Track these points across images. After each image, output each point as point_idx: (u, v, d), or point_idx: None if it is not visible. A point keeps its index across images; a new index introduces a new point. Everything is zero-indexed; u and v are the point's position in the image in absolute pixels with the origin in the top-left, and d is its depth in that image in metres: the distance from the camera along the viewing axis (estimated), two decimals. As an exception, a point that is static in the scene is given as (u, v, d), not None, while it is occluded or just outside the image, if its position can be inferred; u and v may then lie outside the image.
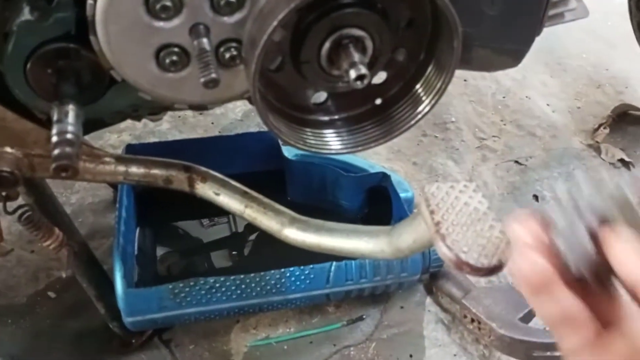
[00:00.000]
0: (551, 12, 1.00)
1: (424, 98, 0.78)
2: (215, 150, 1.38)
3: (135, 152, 1.32)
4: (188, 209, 1.36)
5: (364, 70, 0.66)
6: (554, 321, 0.44)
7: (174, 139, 1.71)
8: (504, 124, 1.80)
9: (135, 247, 1.32)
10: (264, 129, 1.80)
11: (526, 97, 1.91)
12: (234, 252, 1.54)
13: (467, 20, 0.74)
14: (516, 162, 1.68)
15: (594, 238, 0.43)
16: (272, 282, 1.10)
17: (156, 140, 1.69)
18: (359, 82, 0.67)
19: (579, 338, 0.43)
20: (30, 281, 1.29)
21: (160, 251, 1.47)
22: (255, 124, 1.81)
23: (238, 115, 1.82)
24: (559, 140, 1.75)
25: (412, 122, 0.79)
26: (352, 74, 0.66)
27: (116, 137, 1.69)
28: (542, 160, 1.68)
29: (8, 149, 0.82)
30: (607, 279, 0.44)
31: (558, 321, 0.44)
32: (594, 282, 0.44)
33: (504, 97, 1.90)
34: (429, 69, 0.77)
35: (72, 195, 1.49)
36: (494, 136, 1.76)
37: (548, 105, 1.90)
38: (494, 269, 0.57)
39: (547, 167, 1.66)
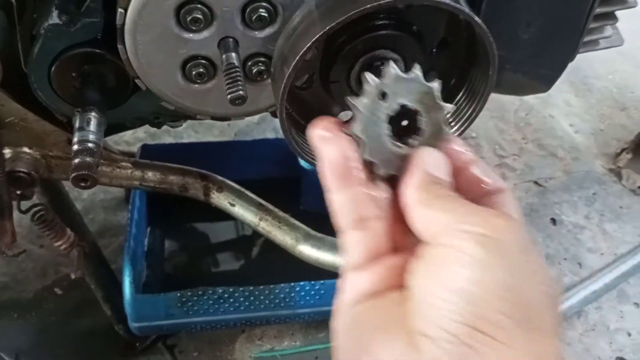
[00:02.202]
0: (586, 39, 0.97)
1: (452, 124, 0.75)
2: (231, 155, 1.37)
3: (150, 152, 1.31)
4: (198, 210, 1.35)
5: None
6: (346, 220, 0.44)
7: (189, 138, 1.69)
8: (525, 143, 1.78)
9: (145, 246, 1.31)
10: (280, 135, 1.78)
11: (549, 115, 1.88)
12: (241, 254, 1.53)
13: (500, 43, 0.71)
14: (535, 182, 1.65)
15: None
16: (282, 295, 1.08)
17: (171, 139, 1.68)
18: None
19: (363, 251, 0.43)
20: (38, 276, 1.29)
21: (168, 249, 1.46)
22: (271, 128, 1.79)
23: (255, 118, 1.80)
24: (581, 163, 1.72)
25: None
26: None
27: (131, 133, 1.68)
28: (562, 182, 1.65)
29: (26, 149, 0.81)
30: None
31: (351, 221, 0.44)
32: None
33: (526, 115, 1.87)
34: (460, 94, 0.75)
35: (83, 191, 1.48)
36: (514, 154, 1.73)
37: (571, 125, 1.87)
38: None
39: (567, 189, 1.63)
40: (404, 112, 0.48)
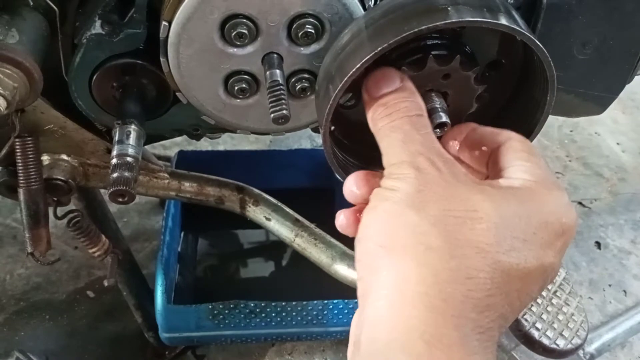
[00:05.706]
0: (646, 60, 0.92)
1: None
2: (266, 164, 1.36)
3: (187, 158, 1.31)
4: (232, 215, 1.35)
5: (444, 118, 0.61)
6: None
7: (225, 144, 1.69)
8: (569, 160, 1.71)
9: (178, 251, 1.31)
10: (315, 145, 1.76)
11: (595, 133, 1.81)
12: (273, 261, 1.52)
13: (554, 62, 0.68)
14: (580, 203, 1.59)
15: None
16: (314, 312, 1.06)
17: (207, 143, 1.68)
18: (438, 130, 0.62)
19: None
20: (71, 278, 1.29)
21: (200, 252, 1.46)
22: (307, 136, 1.77)
23: (291, 125, 1.78)
24: (628, 184, 1.65)
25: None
26: (432, 121, 0.61)
27: (168, 136, 1.68)
28: (608, 204, 1.59)
29: (64, 157, 0.81)
30: None
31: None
32: None
33: (571, 131, 1.81)
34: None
35: (120, 194, 1.49)
36: (557, 172, 1.67)
37: (618, 144, 1.79)
38: (568, 352, 0.51)
39: (613, 212, 1.56)
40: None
